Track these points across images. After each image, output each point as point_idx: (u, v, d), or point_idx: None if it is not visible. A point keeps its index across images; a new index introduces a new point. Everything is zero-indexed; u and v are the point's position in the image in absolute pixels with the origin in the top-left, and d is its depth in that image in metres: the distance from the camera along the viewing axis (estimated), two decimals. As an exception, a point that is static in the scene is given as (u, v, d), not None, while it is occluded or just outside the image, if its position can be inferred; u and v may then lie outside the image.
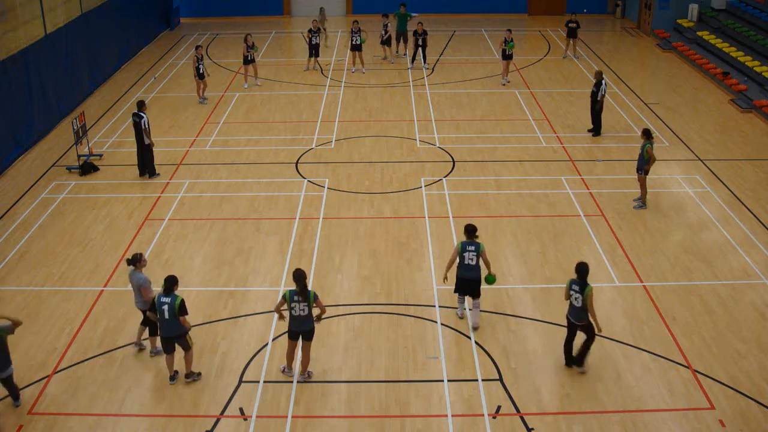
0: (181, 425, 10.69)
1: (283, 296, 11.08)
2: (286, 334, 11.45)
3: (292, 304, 11.03)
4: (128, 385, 11.50)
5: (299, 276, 10.95)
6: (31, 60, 20.79)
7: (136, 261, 11.71)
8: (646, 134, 16.51)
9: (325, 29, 30.27)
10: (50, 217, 16.69)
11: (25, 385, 11.47)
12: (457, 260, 12.43)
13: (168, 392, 11.33)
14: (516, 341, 12.35)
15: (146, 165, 18.43)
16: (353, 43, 26.35)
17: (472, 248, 12.29)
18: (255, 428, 10.63)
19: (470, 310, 12.74)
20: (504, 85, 25.38)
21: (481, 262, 12.40)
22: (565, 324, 11.66)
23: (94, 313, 13.24)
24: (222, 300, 13.54)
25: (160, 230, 16.02)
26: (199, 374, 11.52)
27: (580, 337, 11.59)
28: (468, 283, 12.47)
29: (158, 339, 12.07)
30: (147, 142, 18.13)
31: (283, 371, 11.62)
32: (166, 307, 10.91)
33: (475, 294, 12.53)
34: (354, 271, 14.46)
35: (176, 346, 11.28)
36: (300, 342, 11.34)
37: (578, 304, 11.25)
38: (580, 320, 11.36)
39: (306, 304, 11.00)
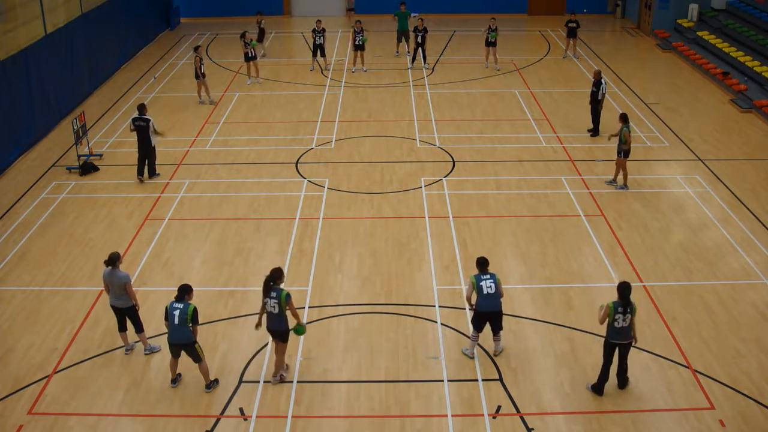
0: (181, 425, 10.70)
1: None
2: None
3: (265, 299, 11.06)
4: (128, 385, 11.50)
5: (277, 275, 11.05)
6: (31, 60, 20.77)
7: (117, 260, 11.71)
8: (624, 119, 17.22)
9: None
10: (50, 217, 16.69)
11: (25, 385, 11.47)
12: (475, 294, 11.68)
13: (168, 392, 11.33)
14: (516, 341, 12.34)
15: (149, 166, 18.38)
16: (355, 43, 26.37)
17: (488, 276, 11.59)
18: (255, 428, 10.63)
19: (494, 341, 12.03)
20: (487, 68, 27.17)
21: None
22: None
23: (94, 313, 13.24)
24: (222, 300, 13.54)
25: (160, 230, 16.02)
26: (217, 381, 11.48)
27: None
28: (489, 315, 11.66)
29: (144, 335, 12.12)
30: (154, 143, 18.15)
31: (280, 378, 11.53)
32: (177, 313, 10.92)
33: (499, 327, 11.81)
34: (354, 271, 14.46)
35: (183, 353, 11.24)
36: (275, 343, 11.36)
37: (626, 323, 10.92)
38: (629, 337, 11.06)
39: (276, 301, 10.97)
